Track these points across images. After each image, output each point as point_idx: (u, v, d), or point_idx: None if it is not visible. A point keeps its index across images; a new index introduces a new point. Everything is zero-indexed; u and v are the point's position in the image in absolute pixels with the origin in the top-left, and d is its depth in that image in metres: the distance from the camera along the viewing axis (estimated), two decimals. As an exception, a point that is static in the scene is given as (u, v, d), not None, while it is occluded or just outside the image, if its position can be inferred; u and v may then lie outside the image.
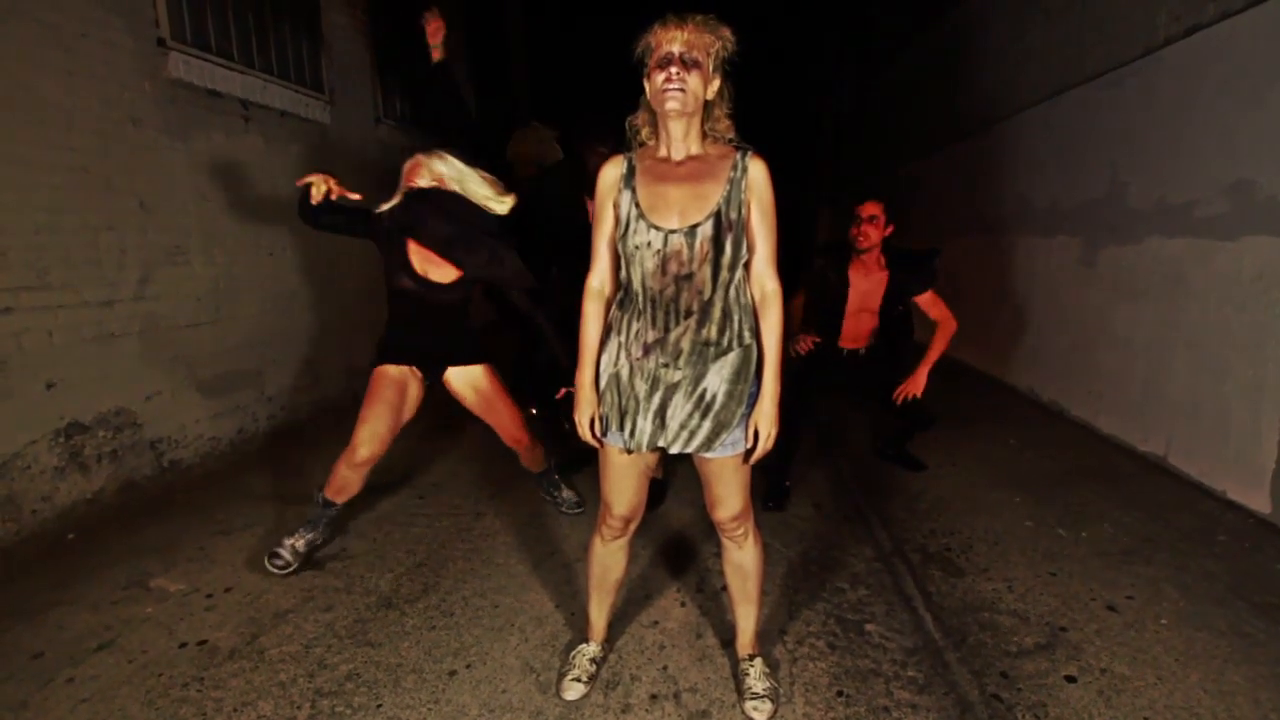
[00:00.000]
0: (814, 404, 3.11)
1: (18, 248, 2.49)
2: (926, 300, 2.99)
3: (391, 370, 2.35)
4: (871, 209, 2.87)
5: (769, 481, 2.89)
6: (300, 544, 2.34)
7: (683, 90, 1.36)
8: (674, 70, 1.35)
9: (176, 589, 2.24)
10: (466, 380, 2.45)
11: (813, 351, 2.99)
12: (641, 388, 1.47)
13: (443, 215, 2.19)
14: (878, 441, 3.62)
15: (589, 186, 2.88)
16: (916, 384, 2.96)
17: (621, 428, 1.49)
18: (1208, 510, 2.82)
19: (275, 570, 2.28)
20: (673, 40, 1.37)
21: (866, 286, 2.97)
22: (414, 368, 2.39)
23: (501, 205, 2.29)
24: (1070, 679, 1.80)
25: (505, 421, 2.54)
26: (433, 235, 2.19)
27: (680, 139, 1.44)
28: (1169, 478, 3.17)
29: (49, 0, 2.57)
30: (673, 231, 1.41)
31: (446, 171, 2.22)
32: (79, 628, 2.02)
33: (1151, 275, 3.40)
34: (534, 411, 3.97)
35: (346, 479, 2.33)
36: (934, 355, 2.97)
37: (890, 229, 2.91)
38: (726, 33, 1.43)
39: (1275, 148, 2.66)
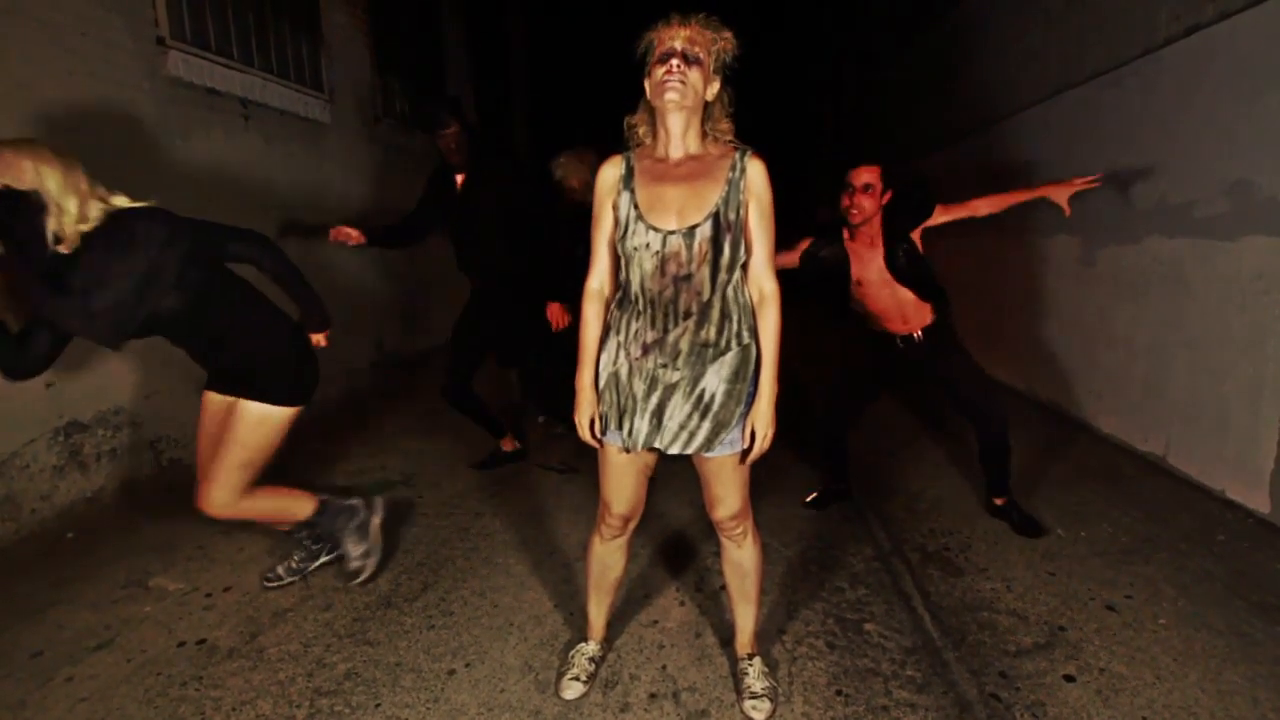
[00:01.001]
0: (860, 411, 2.84)
1: (17, 247, 2.49)
2: (952, 211, 2.50)
3: (208, 397, 2.03)
4: (865, 175, 2.42)
5: (827, 478, 2.93)
6: (295, 563, 2.28)
7: (683, 82, 1.36)
8: (675, 63, 1.36)
9: (175, 588, 2.24)
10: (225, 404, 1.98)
11: (870, 351, 2.74)
12: (639, 388, 1.46)
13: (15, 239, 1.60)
14: (991, 495, 2.78)
15: (442, 164, 3.02)
16: (1060, 191, 2.40)
17: (620, 426, 1.50)
18: (1207, 510, 2.82)
19: (266, 585, 2.22)
20: (674, 37, 1.38)
21: (875, 257, 2.53)
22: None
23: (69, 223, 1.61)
24: (1069, 678, 1.80)
25: (208, 473, 1.95)
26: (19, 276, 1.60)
27: (679, 136, 1.44)
28: (1168, 478, 3.17)
29: (49, -1, 2.57)
30: (671, 233, 1.40)
31: (35, 168, 1.59)
32: (78, 626, 2.02)
33: (1151, 275, 3.40)
34: (541, 421, 3.98)
35: (236, 516, 2.01)
36: (1031, 193, 2.52)
37: (889, 196, 2.47)
38: (729, 35, 1.43)
39: (1275, 148, 2.66)
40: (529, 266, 3.09)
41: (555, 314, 3.14)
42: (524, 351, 3.38)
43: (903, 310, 2.58)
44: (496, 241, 3.03)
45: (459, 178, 3.02)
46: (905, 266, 2.51)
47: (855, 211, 2.46)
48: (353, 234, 2.90)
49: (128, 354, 2.93)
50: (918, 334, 2.61)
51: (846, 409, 2.87)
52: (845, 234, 2.59)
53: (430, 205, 3.13)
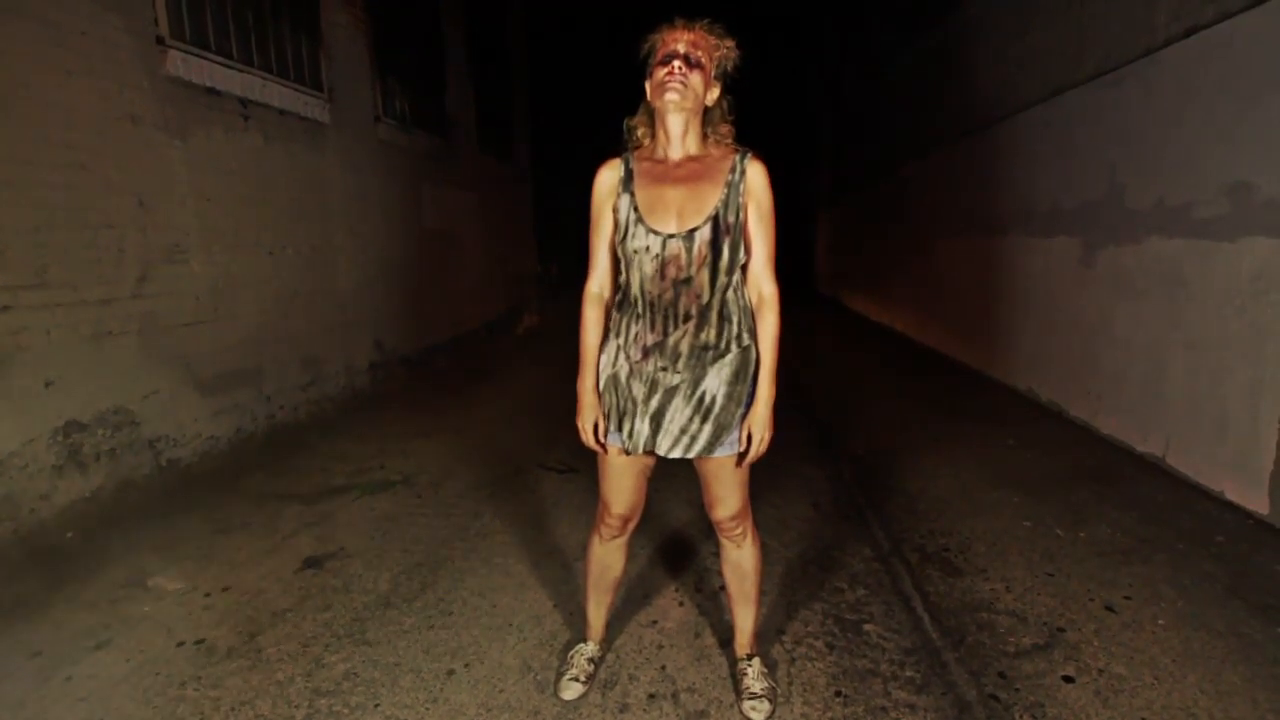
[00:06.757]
0: None
1: (16, 246, 2.49)
2: None
3: None
4: None
5: None
6: None
7: (683, 83, 1.36)
8: (677, 64, 1.36)
9: (174, 588, 2.24)
10: None
11: None
12: (639, 390, 1.46)
13: None
14: None
15: None
16: None
17: (620, 428, 1.49)
18: (1206, 511, 2.82)
19: None
20: (678, 40, 1.40)
21: None
22: None
23: None
24: (1068, 679, 1.80)
25: None
26: None
27: (678, 137, 1.44)
28: (1168, 478, 3.17)
29: (48, -2, 2.57)
30: (670, 236, 1.41)
31: None
32: (77, 626, 2.02)
33: (1151, 275, 3.40)
34: None
35: None
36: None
37: None
38: (731, 43, 1.44)
39: (1274, 148, 2.66)
40: None
41: None
42: None
43: None
44: None
45: None
46: None
47: None
48: None
49: (126, 353, 2.93)
50: None
51: None
52: None
53: None
